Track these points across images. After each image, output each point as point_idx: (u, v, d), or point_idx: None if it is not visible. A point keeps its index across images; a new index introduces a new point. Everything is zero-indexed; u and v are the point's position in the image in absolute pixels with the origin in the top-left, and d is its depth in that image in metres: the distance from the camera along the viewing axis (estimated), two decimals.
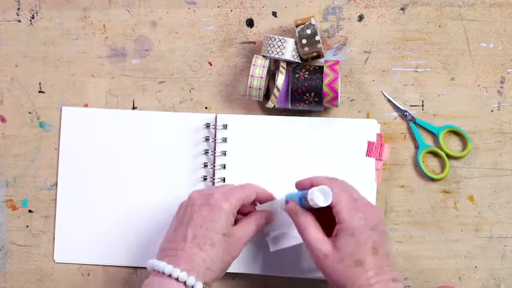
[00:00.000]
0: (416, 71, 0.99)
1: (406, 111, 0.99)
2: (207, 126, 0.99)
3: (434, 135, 0.98)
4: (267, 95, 0.98)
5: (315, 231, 0.85)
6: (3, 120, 1.03)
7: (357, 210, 0.84)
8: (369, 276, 0.81)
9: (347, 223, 0.83)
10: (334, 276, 0.83)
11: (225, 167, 0.99)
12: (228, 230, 0.86)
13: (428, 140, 0.99)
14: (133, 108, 1.02)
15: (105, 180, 1.00)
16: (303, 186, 0.89)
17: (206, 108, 1.01)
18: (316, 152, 0.98)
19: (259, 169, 0.98)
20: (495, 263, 0.97)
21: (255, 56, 0.97)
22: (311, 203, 0.83)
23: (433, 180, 0.98)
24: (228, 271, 0.88)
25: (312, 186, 0.86)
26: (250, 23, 1.01)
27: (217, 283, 0.91)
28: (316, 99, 0.95)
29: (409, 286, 0.97)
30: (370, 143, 0.98)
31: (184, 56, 1.02)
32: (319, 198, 0.83)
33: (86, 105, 1.02)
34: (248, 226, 0.89)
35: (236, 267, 0.95)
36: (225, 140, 0.99)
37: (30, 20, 1.03)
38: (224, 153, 0.99)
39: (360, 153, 0.98)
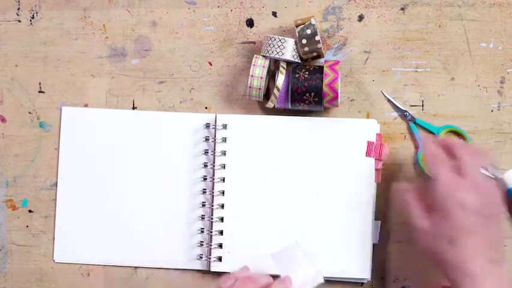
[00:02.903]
0: (417, 71, 0.99)
1: (406, 111, 0.99)
2: (207, 126, 0.99)
3: (434, 135, 0.98)
4: (267, 95, 0.98)
5: (414, 207, 0.86)
6: (3, 120, 1.03)
7: (456, 189, 0.83)
8: (461, 253, 0.81)
9: (440, 202, 0.83)
10: (427, 248, 0.84)
11: (224, 167, 0.99)
12: None
13: None
14: (133, 108, 1.02)
15: (105, 180, 1.00)
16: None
17: (206, 108, 1.01)
18: (316, 152, 0.98)
19: (259, 169, 0.98)
20: None
21: (255, 56, 0.97)
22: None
23: None
24: (228, 271, 0.88)
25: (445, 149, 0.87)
26: (250, 23, 1.01)
27: (217, 283, 0.90)
28: (316, 99, 0.95)
29: (409, 286, 0.97)
30: (369, 143, 0.98)
31: (184, 56, 1.02)
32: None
33: (86, 105, 1.02)
34: None
35: (236, 267, 0.96)
36: (224, 140, 0.99)
37: (30, 20, 1.03)
38: (224, 153, 0.99)
39: (360, 153, 0.98)
